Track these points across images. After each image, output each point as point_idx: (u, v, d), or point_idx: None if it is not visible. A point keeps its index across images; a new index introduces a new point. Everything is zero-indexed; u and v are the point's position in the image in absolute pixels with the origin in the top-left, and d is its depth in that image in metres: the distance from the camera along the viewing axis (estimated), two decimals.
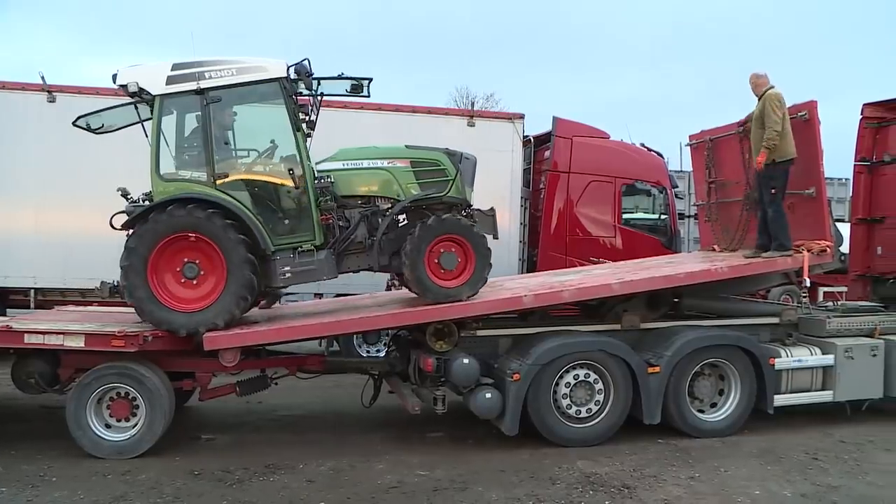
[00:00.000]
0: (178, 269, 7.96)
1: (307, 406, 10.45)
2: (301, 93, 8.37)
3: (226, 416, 9.89)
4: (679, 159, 13.37)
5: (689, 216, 16.34)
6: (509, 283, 10.17)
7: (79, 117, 8.84)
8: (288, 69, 8.16)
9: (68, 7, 63.94)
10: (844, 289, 13.91)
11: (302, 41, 56.73)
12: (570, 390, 8.40)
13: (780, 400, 9.08)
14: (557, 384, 8.36)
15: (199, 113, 8.09)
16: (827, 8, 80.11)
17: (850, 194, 13.60)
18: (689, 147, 11.70)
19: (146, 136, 8.26)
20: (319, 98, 8.45)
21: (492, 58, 63.90)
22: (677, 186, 15.64)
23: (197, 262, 7.97)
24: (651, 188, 14.44)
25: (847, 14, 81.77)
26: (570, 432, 8.37)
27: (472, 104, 30.15)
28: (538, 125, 14.92)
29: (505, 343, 8.80)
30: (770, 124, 9.15)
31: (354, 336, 11.84)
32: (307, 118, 8.39)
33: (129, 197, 8.29)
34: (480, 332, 8.70)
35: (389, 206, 8.54)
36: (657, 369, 8.51)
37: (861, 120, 12.65)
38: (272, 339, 8.28)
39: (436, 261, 8.27)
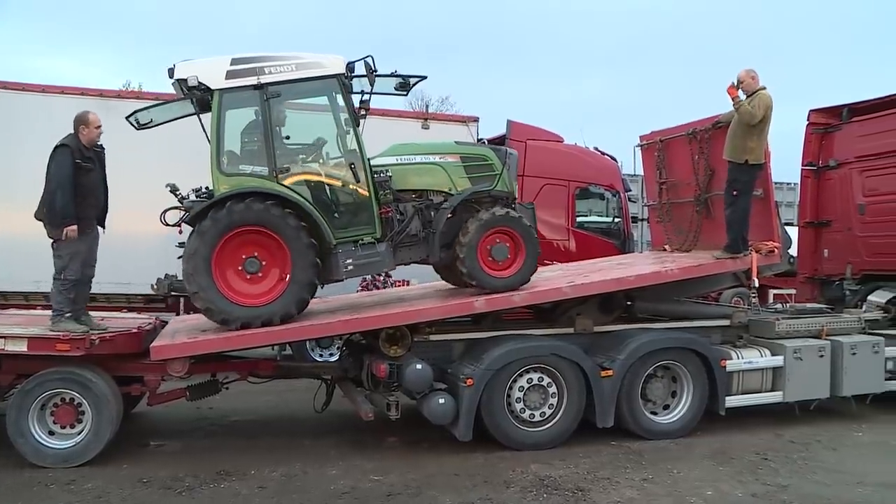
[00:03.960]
0: (239, 265, 7.91)
1: (259, 411, 10.35)
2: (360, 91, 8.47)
3: (175, 421, 9.75)
4: (633, 163, 13.44)
5: (642, 219, 16.53)
6: (445, 288, 10.20)
7: (131, 113, 8.69)
8: (346, 66, 8.24)
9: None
10: (794, 291, 14.16)
11: (252, 41, 56.28)
12: (524, 394, 8.41)
13: (731, 401, 9.18)
14: (511, 388, 8.37)
15: (258, 108, 8.08)
16: (776, 14, 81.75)
17: (799, 198, 13.80)
18: (639, 148, 11.80)
19: (204, 130, 8.22)
20: (369, 96, 8.43)
21: (448, 60, 63.98)
22: (630, 190, 15.78)
23: (258, 256, 7.95)
24: (604, 192, 14.53)
25: (795, 21, 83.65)
26: (524, 436, 8.38)
27: (427, 107, 30.26)
28: (492, 128, 14.97)
29: (458, 348, 8.80)
30: (751, 109, 8.95)
31: (307, 340, 11.75)
32: (366, 113, 8.43)
33: (178, 193, 8.19)
34: (433, 337, 8.67)
35: (443, 199, 8.75)
36: (610, 372, 8.56)
37: (808, 125, 12.88)
38: (222, 347, 8.17)
39: (488, 254, 8.48)
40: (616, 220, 14.54)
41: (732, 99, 9.14)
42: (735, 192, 9.33)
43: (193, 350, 7.88)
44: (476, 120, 14.07)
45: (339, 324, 8.41)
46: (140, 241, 11.41)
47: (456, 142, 9.28)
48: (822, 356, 9.48)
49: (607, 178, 14.54)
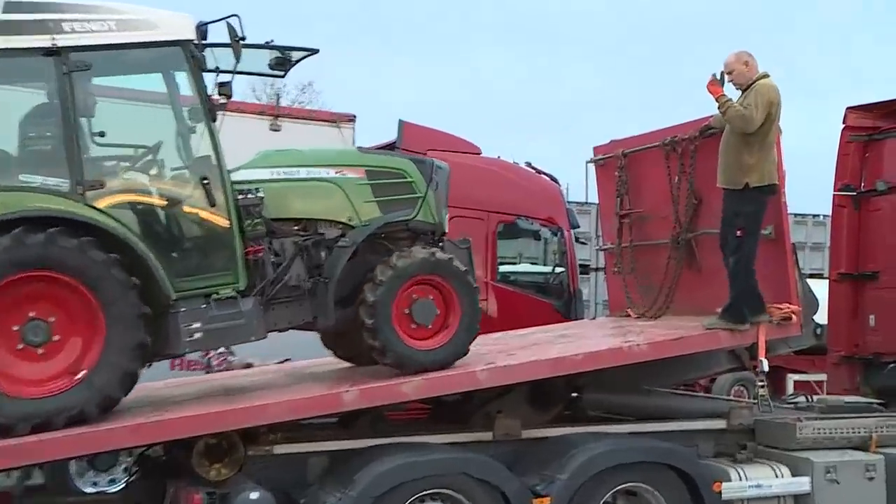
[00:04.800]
0: (14, 330, 7.37)
1: None
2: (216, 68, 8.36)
3: None
4: (584, 187, 13.71)
5: (595, 269, 16.83)
6: (326, 369, 10.22)
7: None
8: (197, 28, 8.10)
9: None
10: (823, 377, 14.42)
11: None
12: None
13: None
14: None
15: (53, 85, 7.75)
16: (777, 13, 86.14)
17: (830, 238, 14.16)
18: (593, 164, 11.99)
19: None
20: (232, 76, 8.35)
21: (315, 30, 64.35)
22: (579, 226, 16.00)
23: (49, 319, 7.46)
24: (541, 228, 14.75)
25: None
26: None
27: (279, 98, 30.21)
28: (382, 132, 15.10)
29: (317, 465, 8.72)
30: (743, 111, 9.12)
31: (73, 460, 11.43)
32: (227, 100, 8.33)
33: None
34: (279, 449, 8.57)
35: (339, 232, 8.77)
36: (547, 501, 8.58)
37: (843, 131, 12.87)
38: None
39: (406, 311, 8.51)
40: (557, 269, 14.72)
41: (716, 99, 9.30)
42: (740, 233, 9.44)
43: None
44: (352, 119, 14.20)
45: (128, 430, 8.01)
46: None
47: (360, 149, 9.29)
48: (871, 478, 9.54)
49: (545, 209, 14.73)
